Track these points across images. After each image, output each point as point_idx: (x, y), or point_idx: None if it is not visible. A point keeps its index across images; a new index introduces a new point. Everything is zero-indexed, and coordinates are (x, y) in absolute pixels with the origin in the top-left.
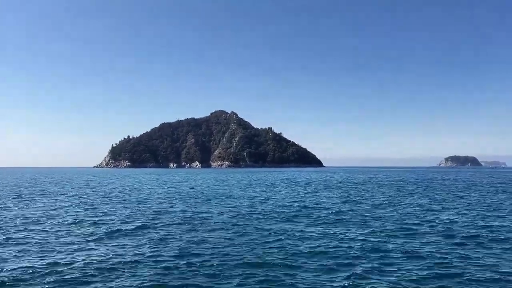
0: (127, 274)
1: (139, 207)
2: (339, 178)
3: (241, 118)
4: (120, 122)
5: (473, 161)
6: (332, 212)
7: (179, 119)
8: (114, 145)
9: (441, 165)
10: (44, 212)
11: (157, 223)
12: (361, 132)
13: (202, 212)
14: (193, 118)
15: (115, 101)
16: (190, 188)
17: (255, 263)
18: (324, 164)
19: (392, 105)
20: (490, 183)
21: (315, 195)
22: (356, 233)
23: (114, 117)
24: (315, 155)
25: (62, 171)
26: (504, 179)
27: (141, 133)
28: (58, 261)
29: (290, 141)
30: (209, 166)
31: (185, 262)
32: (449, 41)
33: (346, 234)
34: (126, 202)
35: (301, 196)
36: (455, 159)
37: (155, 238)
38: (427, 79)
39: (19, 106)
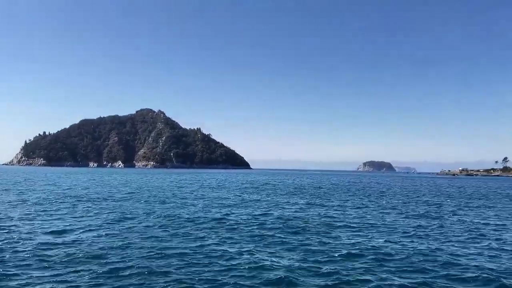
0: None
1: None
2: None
3: (169, 118)
4: (35, 116)
5: (388, 166)
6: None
7: (102, 116)
8: (28, 141)
9: (359, 169)
10: None
11: None
12: (290, 136)
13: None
14: (117, 116)
15: (29, 93)
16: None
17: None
18: (252, 166)
19: (316, 111)
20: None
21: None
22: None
23: (27, 111)
24: (243, 157)
25: None
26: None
27: (59, 130)
28: None
29: (218, 142)
30: (133, 166)
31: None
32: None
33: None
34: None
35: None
36: (372, 164)
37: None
38: (352, 86)
39: None
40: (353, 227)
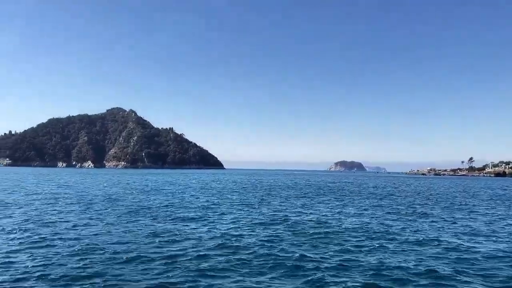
0: None
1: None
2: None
3: (140, 117)
4: (0, 116)
5: (359, 166)
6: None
7: (71, 115)
8: None
9: (331, 169)
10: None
11: None
12: (264, 136)
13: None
14: (87, 115)
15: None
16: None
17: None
18: (225, 166)
19: (290, 112)
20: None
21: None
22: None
23: None
24: (216, 157)
25: None
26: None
27: (26, 129)
28: None
29: (191, 142)
30: (103, 166)
31: None
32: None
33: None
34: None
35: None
36: (343, 164)
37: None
38: (324, 85)
39: None
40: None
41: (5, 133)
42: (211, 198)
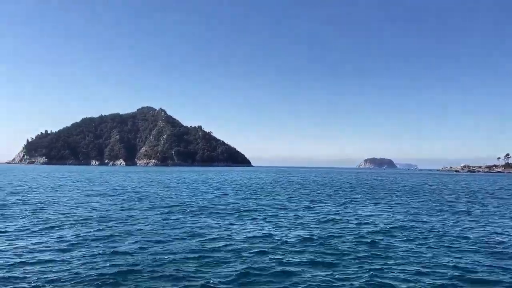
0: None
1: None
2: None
3: (170, 116)
4: (36, 115)
5: (389, 163)
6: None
7: (103, 114)
8: (30, 140)
9: (360, 166)
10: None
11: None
12: (289, 134)
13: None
14: (118, 114)
15: (31, 92)
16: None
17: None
18: (252, 164)
19: (317, 109)
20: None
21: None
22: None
23: (29, 109)
24: (244, 155)
25: None
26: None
27: (61, 128)
28: None
29: (219, 140)
30: (134, 164)
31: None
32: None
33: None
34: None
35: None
36: (373, 161)
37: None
38: (354, 83)
39: None
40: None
41: (41, 133)
42: (266, 198)
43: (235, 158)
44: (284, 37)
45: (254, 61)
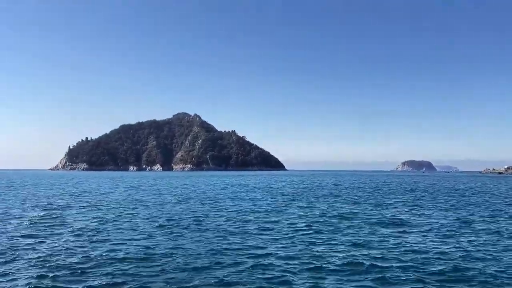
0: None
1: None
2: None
3: (204, 121)
4: (78, 123)
5: (428, 165)
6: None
7: (140, 121)
8: (71, 147)
9: (398, 169)
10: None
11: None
12: (324, 137)
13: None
14: (155, 120)
15: (73, 101)
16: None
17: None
18: (286, 167)
19: (351, 111)
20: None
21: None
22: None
23: (71, 118)
24: (277, 158)
25: (24, 173)
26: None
27: (100, 135)
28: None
29: (253, 144)
30: (170, 169)
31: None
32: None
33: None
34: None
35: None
36: (411, 163)
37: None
38: (389, 86)
39: None
40: None
41: (82, 140)
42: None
43: (268, 162)
44: (321, 36)
45: (288, 62)
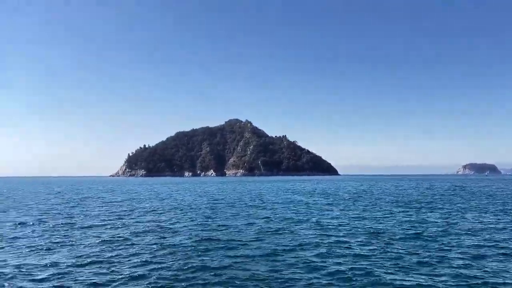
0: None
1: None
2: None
3: (256, 127)
4: (136, 131)
5: (492, 168)
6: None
7: (194, 128)
8: (131, 154)
9: (458, 172)
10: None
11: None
12: (378, 140)
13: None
14: (208, 127)
15: (131, 110)
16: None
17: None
18: (339, 172)
19: (407, 112)
20: None
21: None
22: None
23: (129, 126)
24: (330, 163)
25: (89, 180)
26: None
27: (157, 142)
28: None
29: (304, 149)
30: (223, 174)
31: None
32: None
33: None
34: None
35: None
36: (473, 166)
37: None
38: (444, 85)
39: (35, 113)
40: None
41: (140, 147)
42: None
43: (320, 167)
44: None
45: (341, 64)
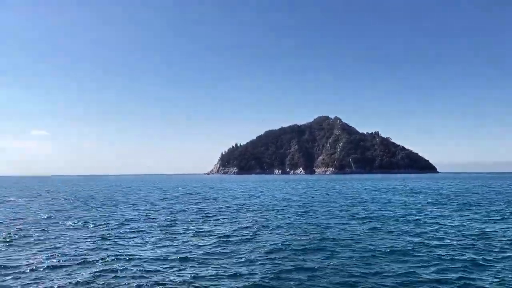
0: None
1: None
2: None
3: (345, 123)
4: (229, 130)
5: None
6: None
7: (283, 126)
8: (224, 153)
9: None
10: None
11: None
12: (487, 131)
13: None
14: (296, 125)
15: (223, 112)
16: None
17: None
18: (438, 170)
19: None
20: None
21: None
22: None
23: (222, 125)
24: (428, 160)
25: (192, 178)
26: None
27: (248, 141)
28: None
29: (399, 145)
30: (312, 172)
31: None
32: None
33: None
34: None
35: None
36: None
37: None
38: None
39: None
40: None
41: (232, 146)
42: None
43: (417, 164)
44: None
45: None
